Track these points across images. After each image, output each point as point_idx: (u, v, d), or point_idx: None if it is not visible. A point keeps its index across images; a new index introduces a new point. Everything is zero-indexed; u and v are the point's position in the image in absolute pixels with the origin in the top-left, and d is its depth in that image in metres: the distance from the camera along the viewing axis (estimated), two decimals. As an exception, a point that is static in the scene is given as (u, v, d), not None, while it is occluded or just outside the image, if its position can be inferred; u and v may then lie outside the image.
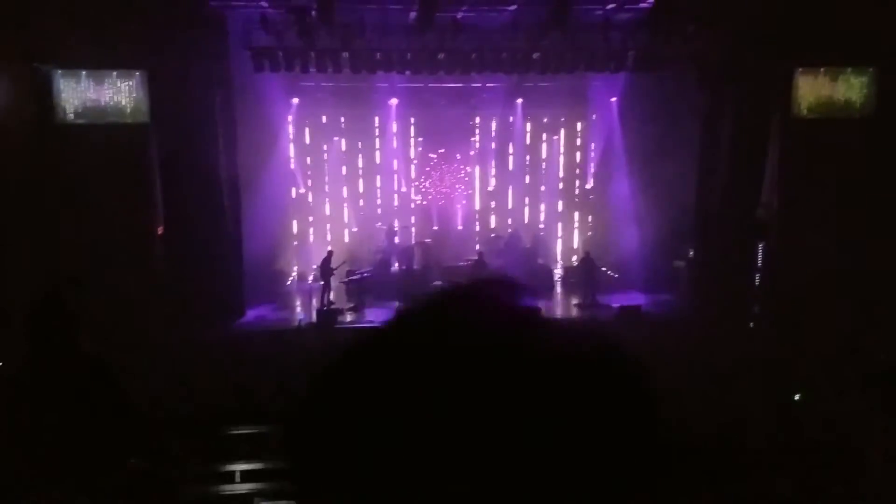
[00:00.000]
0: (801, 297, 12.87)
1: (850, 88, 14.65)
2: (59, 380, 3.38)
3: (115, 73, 13.37)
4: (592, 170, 20.41)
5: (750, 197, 15.04)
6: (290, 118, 18.82)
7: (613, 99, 19.20)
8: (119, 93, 13.40)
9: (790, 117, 14.59)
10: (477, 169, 20.68)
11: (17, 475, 3.22)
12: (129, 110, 13.44)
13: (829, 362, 8.87)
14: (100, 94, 13.32)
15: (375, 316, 15.94)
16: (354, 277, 17.80)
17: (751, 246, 15.35)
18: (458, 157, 20.42)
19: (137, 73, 13.35)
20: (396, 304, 15.10)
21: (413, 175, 20.48)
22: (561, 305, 17.52)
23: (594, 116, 20.31)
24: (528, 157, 20.77)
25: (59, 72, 13.19)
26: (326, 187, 20.02)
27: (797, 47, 14.02)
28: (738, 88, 14.61)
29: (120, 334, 11.00)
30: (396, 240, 19.21)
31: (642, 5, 13.92)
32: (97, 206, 12.89)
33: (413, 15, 13.38)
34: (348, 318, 15.64)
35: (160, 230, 14.01)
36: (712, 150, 15.30)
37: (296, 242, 19.48)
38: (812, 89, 14.67)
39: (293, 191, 19.37)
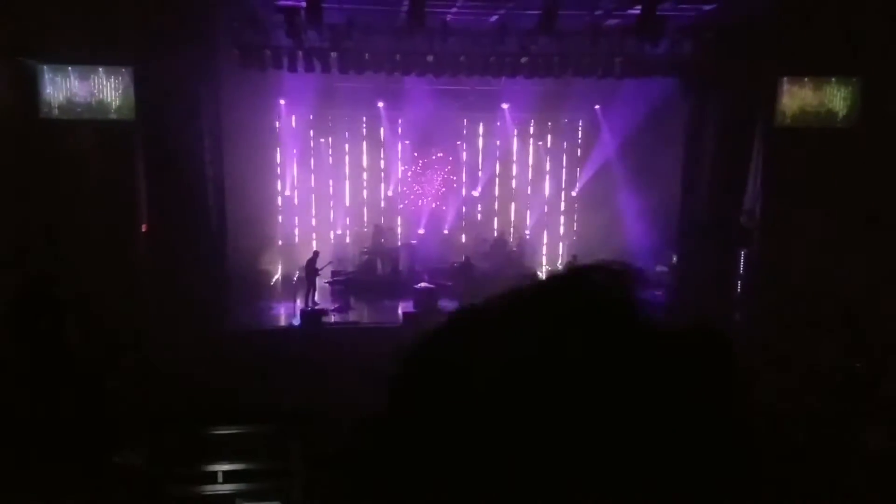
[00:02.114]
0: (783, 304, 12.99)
1: (834, 98, 14.83)
2: (44, 370, 3.36)
3: (101, 69, 13.27)
4: (579, 175, 20.53)
5: (733, 204, 15.16)
6: (277, 117, 18.77)
7: (599, 105, 19.36)
8: (105, 89, 13.30)
9: (774, 125, 14.73)
10: (464, 172, 20.72)
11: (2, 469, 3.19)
12: (114, 107, 13.34)
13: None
14: (86, 89, 13.22)
15: (360, 317, 15.96)
16: (339, 278, 17.76)
17: (733, 253, 15.48)
18: (446, 159, 20.44)
19: (124, 70, 13.26)
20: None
21: (400, 177, 20.48)
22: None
23: (581, 122, 20.43)
24: (515, 161, 20.85)
25: (45, 67, 13.08)
26: (313, 187, 19.97)
27: (782, 56, 14.18)
28: (723, 96, 14.75)
29: (101, 332, 10.93)
30: (383, 241, 19.21)
31: (630, 12, 14.01)
32: (81, 202, 12.79)
33: (403, 16, 13.40)
34: (333, 318, 15.61)
35: (144, 228, 13.92)
36: (697, 157, 15.42)
37: (281, 242, 19.42)
38: (796, 98, 14.83)
39: (279, 190, 19.31)
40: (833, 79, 14.80)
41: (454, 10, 14.11)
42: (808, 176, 14.02)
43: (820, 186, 13.96)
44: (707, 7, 14.20)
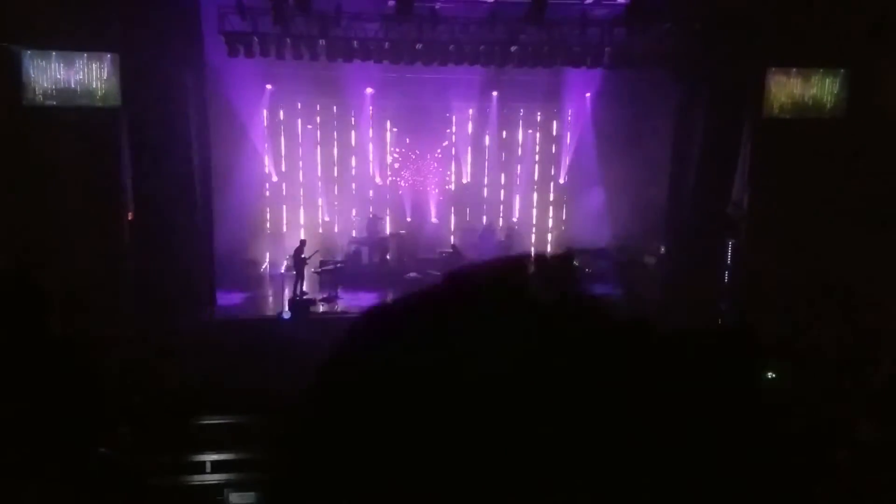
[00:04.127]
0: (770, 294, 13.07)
1: (822, 89, 14.90)
2: (26, 361, 3.30)
3: (85, 54, 13.11)
4: (567, 164, 20.53)
5: (721, 195, 15.22)
6: (264, 105, 18.61)
7: (588, 94, 19.35)
8: (90, 75, 13.14)
9: (762, 116, 14.79)
10: (452, 161, 20.66)
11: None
12: (99, 93, 13.19)
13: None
14: (70, 75, 13.05)
15: (349, 307, 15.90)
16: (328, 268, 17.70)
17: (721, 243, 15.54)
18: (434, 148, 20.37)
19: (109, 56, 13.10)
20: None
21: (388, 165, 20.40)
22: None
23: (570, 111, 20.40)
24: (503, 151, 20.81)
25: (28, 52, 12.89)
26: (300, 176, 19.84)
27: (770, 47, 14.21)
28: (712, 87, 14.75)
29: (87, 320, 10.83)
30: (377, 229, 19.16)
31: (619, 1, 13.98)
32: (66, 190, 12.66)
33: (391, 4, 13.30)
34: (321, 308, 15.56)
35: (130, 215, 13.80)
36: (685, 148, 15.44)
37: (269, 231, 19.30)
38: (784, 89, 14.89)
39: (266, 178, 19.17)
40: (821, 70, 14.86)
41: (443, -3, 14.05)
42: (796, 167, 14.09)
43: (808, 177, 14.04)
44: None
